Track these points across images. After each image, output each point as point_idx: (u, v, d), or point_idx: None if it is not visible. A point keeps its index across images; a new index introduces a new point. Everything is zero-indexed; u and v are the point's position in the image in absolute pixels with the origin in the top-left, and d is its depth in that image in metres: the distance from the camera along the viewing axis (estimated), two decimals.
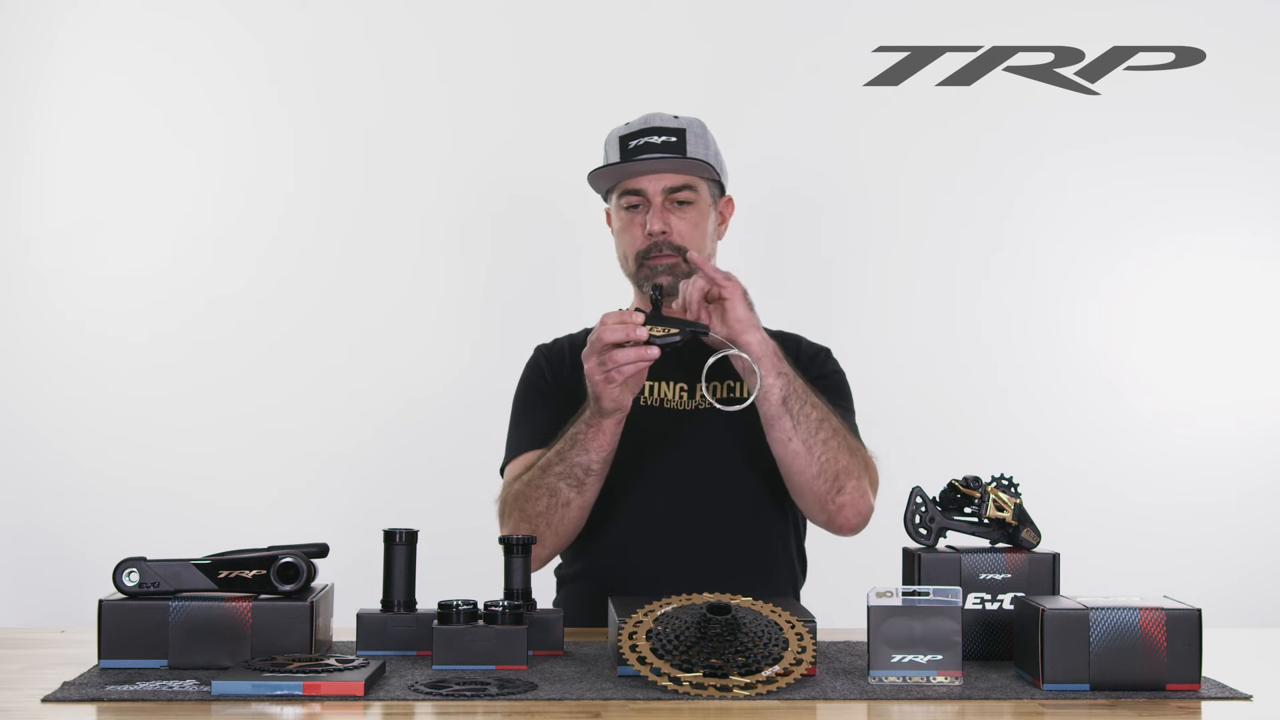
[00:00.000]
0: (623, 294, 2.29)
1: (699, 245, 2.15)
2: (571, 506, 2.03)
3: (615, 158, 2.17)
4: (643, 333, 1.85)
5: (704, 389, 2.04)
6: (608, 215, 2.27)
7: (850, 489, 2.03)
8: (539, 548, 2.03)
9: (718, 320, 1.94)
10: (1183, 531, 3.00)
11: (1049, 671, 1.54)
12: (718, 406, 1.99)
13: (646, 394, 2.17)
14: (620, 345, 1.85)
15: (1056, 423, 3.03)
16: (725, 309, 1.93)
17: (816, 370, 2.22)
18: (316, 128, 3.05)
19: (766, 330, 1.97)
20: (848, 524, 2.06)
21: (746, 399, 1.95)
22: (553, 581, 2.25)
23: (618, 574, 2.09)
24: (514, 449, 2.18)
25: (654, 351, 1.85)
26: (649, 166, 2.14)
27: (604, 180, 2.20)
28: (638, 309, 1.92)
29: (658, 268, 2.14)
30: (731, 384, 2.17)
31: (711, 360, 1.95)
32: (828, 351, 2.28)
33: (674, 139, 2.15)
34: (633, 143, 2.16)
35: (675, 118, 2.19)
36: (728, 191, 2.27)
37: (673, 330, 1.86)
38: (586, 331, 2.24)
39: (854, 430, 2.17)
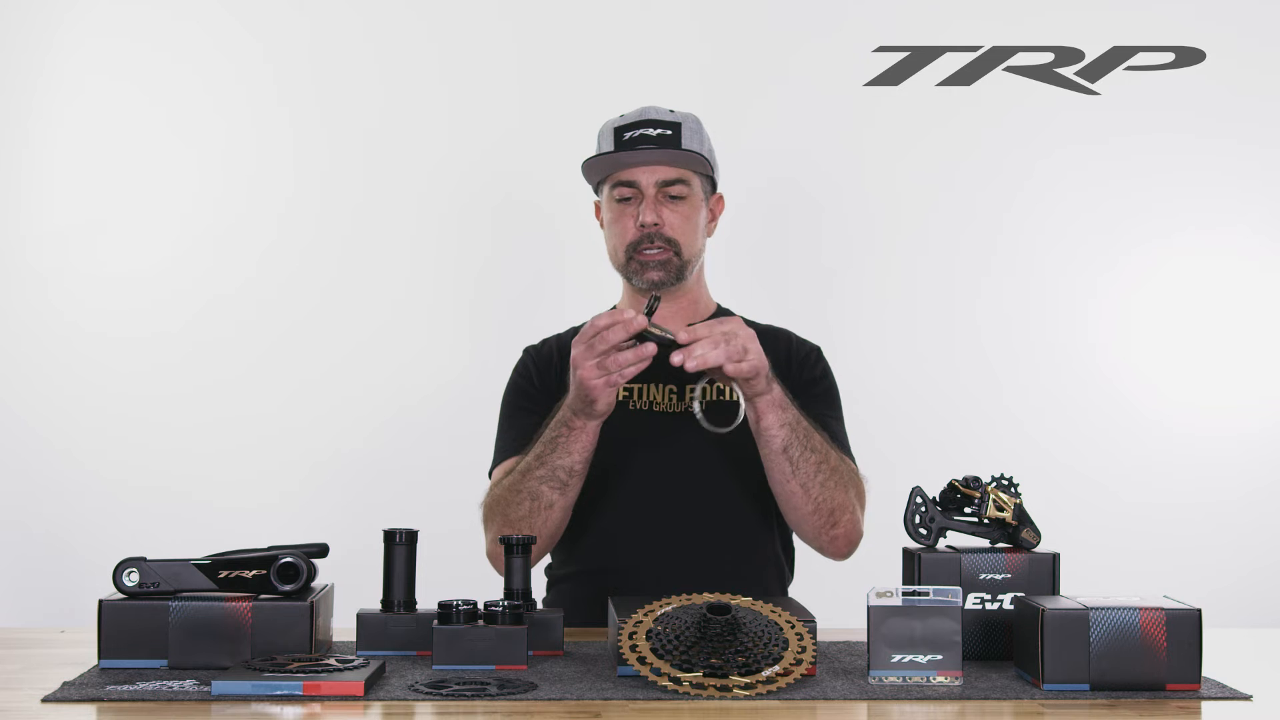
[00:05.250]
0: (613, 293, 2.29)
1: (690, 240, 2.15)
2: (555, 509, 2.02)
3: (609, 149, 2.15)
4: (641, 321, 1.82)
5: (695, 408, 1.96)
6: (597, 208, 2.26)
7: (844, 522, 2.05)
8: None
9: (738, 384, 1.91)
10: (1183, 531, 3.01)
11: (1049, 671, 1.54)
12: (707, 427, 1.94)
13: (636, 397, 2.17)
14: (620, 348, 1.83)
15: (1056, 422, 3.03)
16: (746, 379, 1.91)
17: (808, 373, 2.21)
18: (316, 128, 3.05)
19: (757, 325, 1.96)
20: (839, 553, 2.10)
21: (735, 413, 1.92)
22: (544, 581, 2.25)
23: (608, 574, 2.09)
24: (501, 454, 2.18)
25: (651, 348, 1.83)
26: (643, 157, 2.12)
27: (597, 171, 2.18)
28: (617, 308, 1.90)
29: (648, 263, 2.13)
30: (721, 385, 2.16)
31: (702, 382, 1.93)
32: (819, 351, 2.26)
33: (669, 132, 2.14)
34: (627, 134, 2.14)
35: (671, 111, 2.18)
36: (719, 189, 2.26)
37: (668, 330, 1.85)
38: (573, 331, 2.21)
39: (844, 443, 2.16)
